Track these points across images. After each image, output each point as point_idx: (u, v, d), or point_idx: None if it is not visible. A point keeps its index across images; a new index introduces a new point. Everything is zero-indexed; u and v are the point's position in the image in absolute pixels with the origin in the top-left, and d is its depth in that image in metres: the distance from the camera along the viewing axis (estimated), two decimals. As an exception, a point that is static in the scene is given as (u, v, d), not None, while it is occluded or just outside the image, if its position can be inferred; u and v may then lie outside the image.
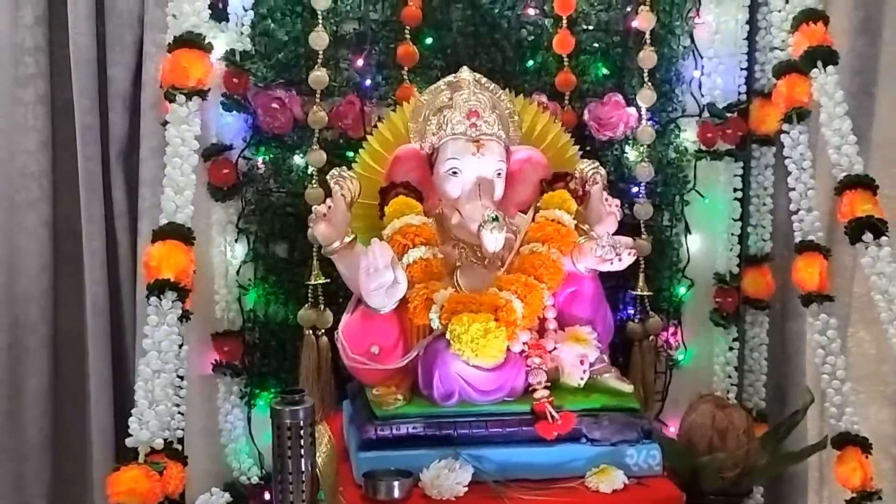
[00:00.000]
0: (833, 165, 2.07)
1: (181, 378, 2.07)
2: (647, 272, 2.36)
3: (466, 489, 1.78)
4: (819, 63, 2.08)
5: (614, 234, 2.04)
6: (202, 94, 2.10)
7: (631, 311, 2.41)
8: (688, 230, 2.46)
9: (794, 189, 2.17)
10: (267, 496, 2.29)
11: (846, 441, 2.03)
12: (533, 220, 2.03)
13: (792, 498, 2.52)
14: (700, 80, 2.43)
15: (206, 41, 2.12)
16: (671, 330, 2.46)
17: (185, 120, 2.06)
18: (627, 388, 1.99)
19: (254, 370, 2.35)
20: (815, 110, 2.19)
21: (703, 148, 2.42)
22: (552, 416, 1.87)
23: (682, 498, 1.84)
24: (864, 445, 2.03)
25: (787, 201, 2.26)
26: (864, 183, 2.00)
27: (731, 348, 2.48)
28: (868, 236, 1.95)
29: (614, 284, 2.34)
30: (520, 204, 2.10)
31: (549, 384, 1.92)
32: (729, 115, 2.41)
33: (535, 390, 1.90)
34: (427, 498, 1.78)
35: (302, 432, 1.74)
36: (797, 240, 2.17)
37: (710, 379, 2.48)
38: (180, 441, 2.07)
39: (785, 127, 2.20)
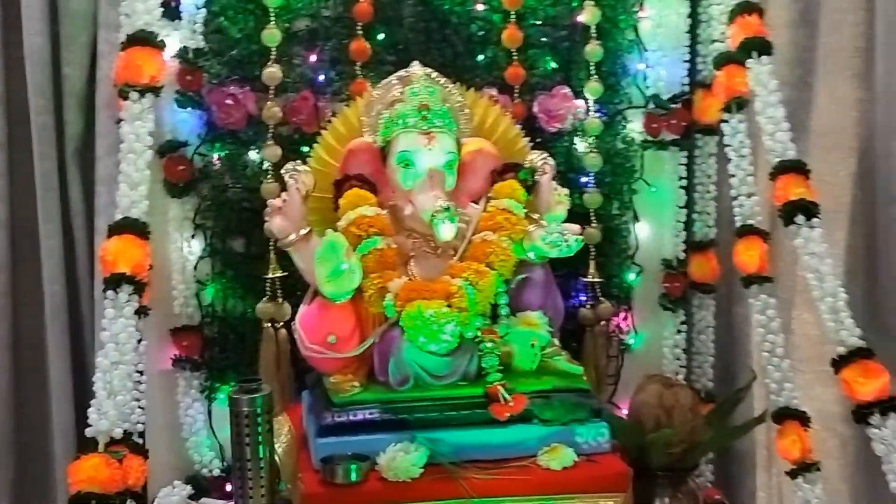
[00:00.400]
0: (768, 151, 2.15)
1: (141, 373, 2.11)
2: (598, 259, 2.44)
3: (422, 471, 1.83)
4: (754, 53, 2.16)
5: (563, 222, 2.12)
6: (155, 90, 2.14)
7: (583, 298, 2.47)
8: (636, 218, 2.54)
9: (734, 176, 2.26)
10: (229, 488, 2.32)
11: (786, 415, 2.12)
12: (484, 209, 2.09)
13: (741, 475, 2.59)
14: (645, 73, 2.50)
15: (159, 39, 2.15)
16: (622, 315, 2.54)
17: (139, 116, 2.10)
18: (576, 369, 2.05)
19: (213, 364, 2.39)
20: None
21: (649, 138, 2.50)
22: (504, 399, 1.93)
23: (630, 473, 1.90)
24: (802, 419, 2.11)
25: (729, 188, 2.34)
26: (796, 168, 2.09)
27: (679, 331, 2.56)
28: (800, 218, 2.04)
29: (566, 272, 2.40)
30: (471, 194, 2.15)
31: (501, 367, 1.98)
32: (673, 105, 2.49)
33: (487, 374, 1.96)
34: (384, 480, 1.82)
35: (259, 420, 1.78)
36: (737, 224, 2.26)
37: (660, 361, 2.55)
38: (141, 435, 2.10)
39: (725, 116, 2.28)
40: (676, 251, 2.55)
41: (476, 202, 2.14)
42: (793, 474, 2.09)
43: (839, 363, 1.98)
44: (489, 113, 2.25)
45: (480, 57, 2.42)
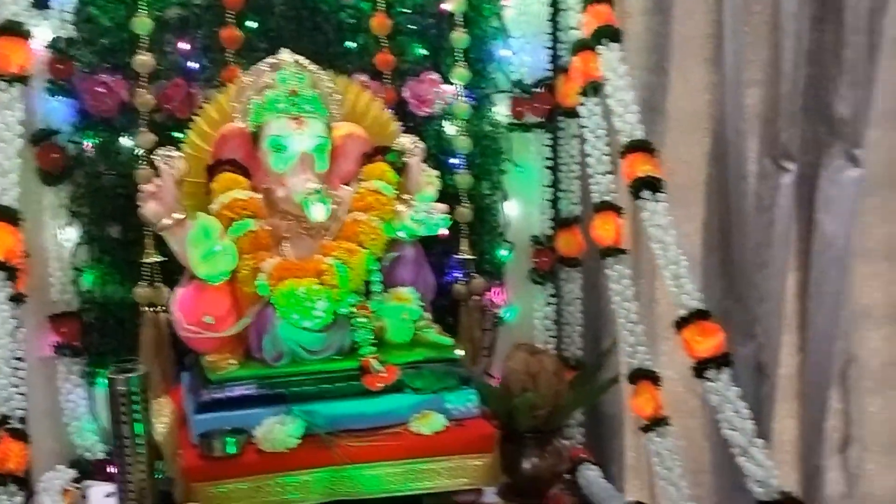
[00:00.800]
0: (618, 132, 2.29)
1: (20, 360, 2.12)
2: (471, 237, 2.55)
3: (299, 441, 1.92)
4: (605, 40, 2.30)
5: (436, 202, 2.23)
6: (24, 80, 2.15)
7: (457, 274, 2.59)
8: (506, 197, 2.66)
9: (590, 155, 2.40)
10: (112, 469, 2.36)
11: (639, 376, 2.28)
12: (355, 191, 2.18)
13: (609, 436, 2.76)
14: (510, 59, 2.62)
15: (27, 28, 2.16)
16: (495, 290, 2.66)
17: (9, 105, 2.12)
18: (446, 341, 2.16)
19: (94, 349, 2.41)
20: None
21: (515, 121, 2.63)
22: (377, 370, 2.03)
23: (496, 434, 2.03)
24: (654, 379, 2.27)
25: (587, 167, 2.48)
26: (643, 147, 2.24)
27: (549, 304, 2.70)
28: (647, 193, 2.19)
29: (441, 249, 2.52)
30: (343, 177, 2.23)
31: (375, 341, 2.08)
32: (536, 90, 2.62)
33: (360, 347, 2.06)
34: (261, 452, 1.90)
35: (136, 398, 1.83)
36: (594, 201, 2.40)
37: (532, 333, 2.69)
38: (22, 420, 2.12)
39: (582, 99, 2.42)
40: (544, 228, 2.69)
41: (349, 184, 2.22)
42: (646, 429, 2.25)
43: (680, 324, 2.14)
44: (360, 98, 2.33)
45: (351, 44, 2.48)
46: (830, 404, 2.95)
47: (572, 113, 2.60)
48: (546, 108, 2.63)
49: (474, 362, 2.50)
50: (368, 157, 2.22)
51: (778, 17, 2.73)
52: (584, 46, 2.41)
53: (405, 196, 2.21)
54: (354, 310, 2.08)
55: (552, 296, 2.71)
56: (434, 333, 2.18)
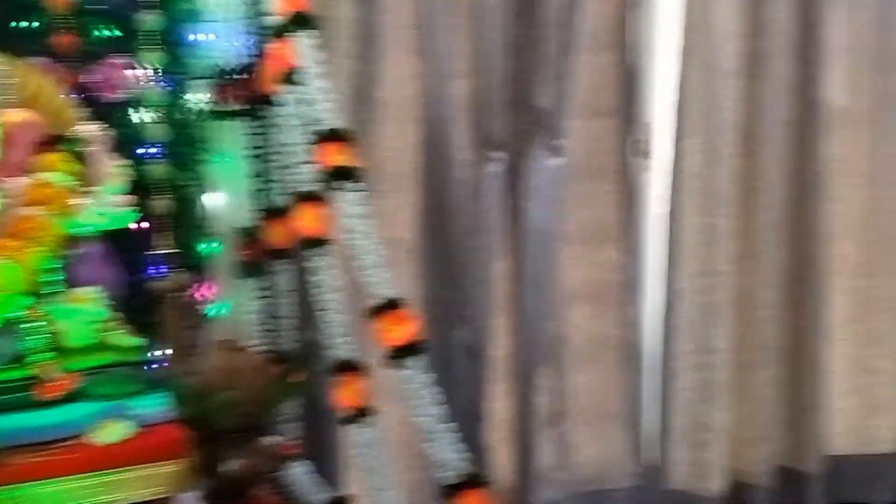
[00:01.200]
0: (315, 121, 2.25)
1: None
2: (172, 230, 2.43)
3: (-45, 462, 1.74)
4: (298, 27, 2.26)
5: (131, 193, 2.10)
6: None
7: (159, 269, 2.45)
8: (209, 188, 2.55)
9: (287, 145, 2.35)
10: None
11: (343, 367, 2.26)
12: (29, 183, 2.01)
13: (327, 430, 2.73)
14: (210, 43, 2.51)
15: None
16: (203, 285, 2.55)
17: None
18: (135, 342, 2.04)
19: None
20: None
21: (217, 108, 2.52)
22: (51, 379, 1.88)
23: (187, 439, 1.93)
24: (358, 369, 2.26)
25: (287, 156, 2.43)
26: (337, 136, 2.21)
27: (259, 297, 2.62)
28: (341, 183, 2.17)
29: (139, 245, 2.37)
30: (14, 168, 2.06)
31: (52, 347, 1.92)
32: (237, 77, 2.53)
33: (32, 354, 1.89)
34: (-87, 477, 1.71)
35: None
36: (294, 191, 2.35)
37: (242, 328, 2.60)
38: None
39: (279, 87, 2.36)
40: (252, 219, 2.60)
41: (20, 175, 2.04)
42: (350, 420, 2.23)
43: (373, 313, 2.14)
44: (32, 82, 2.15)
45: (26, 23, 2.30)
46: (541, 382, 3.10)
47: (273, 101, 2.54)
48: (248, 95, 2.53)
49: (178, 362, 2.39)
50: (42, 147, 2.05)
51: (481, 9, 2.81)
52: (280, 33, 2.34)
53: (88, 188, 2.07)
54: (25, 314, 1.91)
55: (264, 289, 2.63)
56: (122, 335, 2.06)
